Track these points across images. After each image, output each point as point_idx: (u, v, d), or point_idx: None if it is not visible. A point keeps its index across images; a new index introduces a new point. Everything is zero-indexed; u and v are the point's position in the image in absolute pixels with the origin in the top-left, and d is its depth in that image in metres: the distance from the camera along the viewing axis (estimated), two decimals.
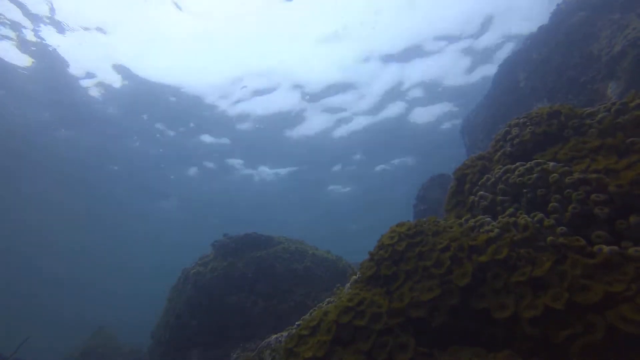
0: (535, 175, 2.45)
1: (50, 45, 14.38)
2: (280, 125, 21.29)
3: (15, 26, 13.28)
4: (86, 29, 13.94)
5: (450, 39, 15.44)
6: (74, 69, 15.78)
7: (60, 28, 13.71)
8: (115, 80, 16.71)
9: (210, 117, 19.91)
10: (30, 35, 13.79)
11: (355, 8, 14.18)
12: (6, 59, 14.60)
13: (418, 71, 17.17)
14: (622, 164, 2.12)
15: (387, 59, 16.65)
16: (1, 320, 41.04)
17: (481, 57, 16.20)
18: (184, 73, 16.79)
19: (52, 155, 21.10)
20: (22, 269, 37.81)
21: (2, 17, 12.81)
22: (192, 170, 26.23)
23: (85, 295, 47.80)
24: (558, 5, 9.21)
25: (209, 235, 11.63)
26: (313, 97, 19.04)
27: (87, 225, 31.69)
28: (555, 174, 2.32)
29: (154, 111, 19.25)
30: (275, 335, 4.53)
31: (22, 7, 12.62)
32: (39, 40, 14.03)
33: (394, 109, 20.03)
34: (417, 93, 18.69)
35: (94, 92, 17.34)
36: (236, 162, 25.19)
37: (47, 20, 13.29)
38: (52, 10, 12.93)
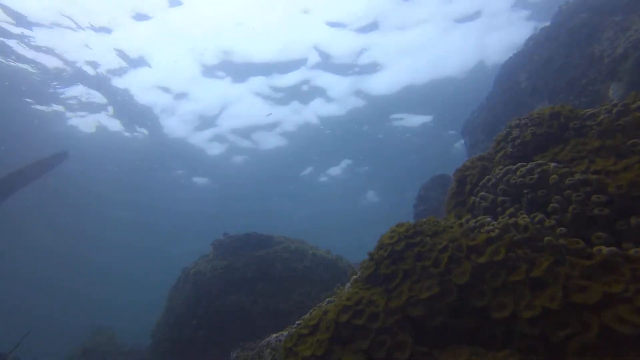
0: (536, 176, 2.44)
1: None
2: None
3: None
4: None
5: None
6: None
7: None
8: None
9: None
10: None
11: None
12: None
13: None
14: (621, 165, 2.12)
15: None
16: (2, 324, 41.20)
17: None
18: None
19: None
20: (20, 274, 38.01)
21: None
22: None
23: (84, 298, 48.02)
24: (560, 6, 9.20)
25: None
26: None
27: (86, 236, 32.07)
28: (555, 175, 2.32)
29: None
30: (276, 335, 4.53)
31: None
32: None
33: None
34: None
35: None
36: None
37: None
38: None
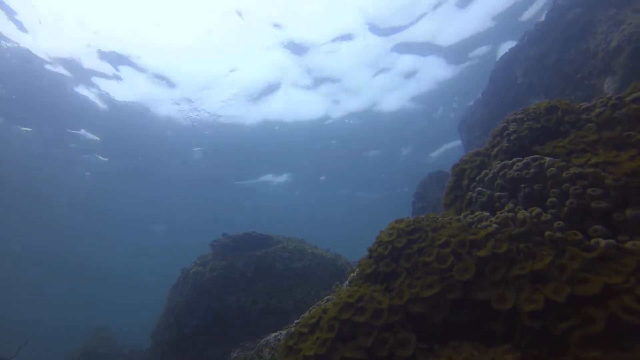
0: (532, 170, 2.45)
1: None
2: None
3: None
4: None
5: None
6: None
7: None
8: None
9: None
10: None
11: None
12: None
13: None
14: (620, 157, 2.12)
15: None
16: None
17: None
18: None
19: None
20: (20, 277, 37.76)
21: None
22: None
23: (83, 301, 47.79)
24: (555, 1, 9.21)
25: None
26: None
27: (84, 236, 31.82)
28: (552, 169, 2.32)
29: None
30: (275, 334, 4.53)
31: None
32: None
33: None
34: None
35: None
36: None
37: None
38: None
